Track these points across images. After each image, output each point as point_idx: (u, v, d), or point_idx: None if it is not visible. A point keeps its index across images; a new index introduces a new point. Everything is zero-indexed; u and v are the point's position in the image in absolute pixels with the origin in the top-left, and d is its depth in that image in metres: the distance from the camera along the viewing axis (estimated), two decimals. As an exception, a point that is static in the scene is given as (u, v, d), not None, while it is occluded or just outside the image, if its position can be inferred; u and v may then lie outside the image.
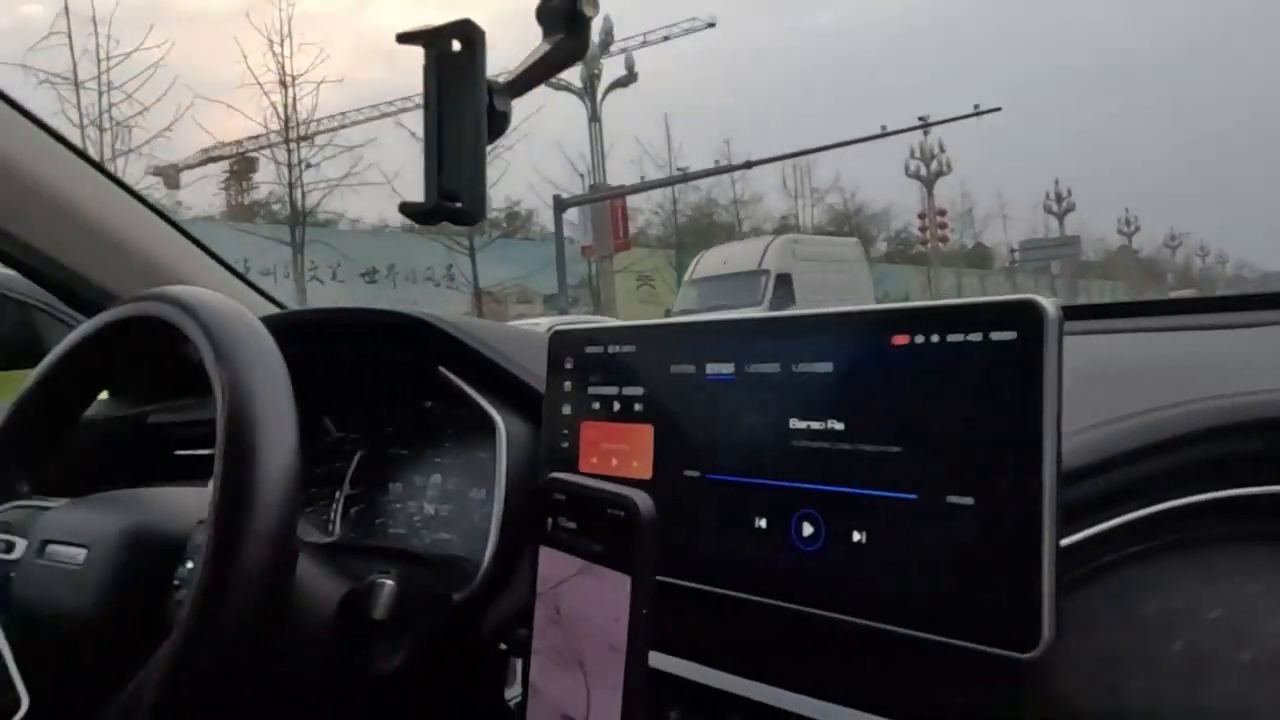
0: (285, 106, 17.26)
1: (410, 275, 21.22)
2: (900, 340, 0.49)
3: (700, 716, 0.58)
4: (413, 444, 0.94)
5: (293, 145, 17.50)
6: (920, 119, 20.98)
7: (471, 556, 0.84)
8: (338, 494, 1.00)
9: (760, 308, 14.91)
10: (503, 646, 0.74)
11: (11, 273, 1.13)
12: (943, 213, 27.96)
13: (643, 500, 0.49)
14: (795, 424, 0.54)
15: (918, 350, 0.48)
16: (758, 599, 0.54)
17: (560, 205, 18.15)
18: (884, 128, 19.45)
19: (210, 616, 0.54)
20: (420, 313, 0.82)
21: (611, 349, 0.65)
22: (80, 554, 0.68)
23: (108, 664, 0.65)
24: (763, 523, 0.55)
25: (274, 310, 1.16)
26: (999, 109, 20.28)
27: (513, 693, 0.71)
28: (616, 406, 0.64)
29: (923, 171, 27.62)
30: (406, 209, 0.49)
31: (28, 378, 0.80)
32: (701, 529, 0.58)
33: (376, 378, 0.93)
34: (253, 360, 0.63)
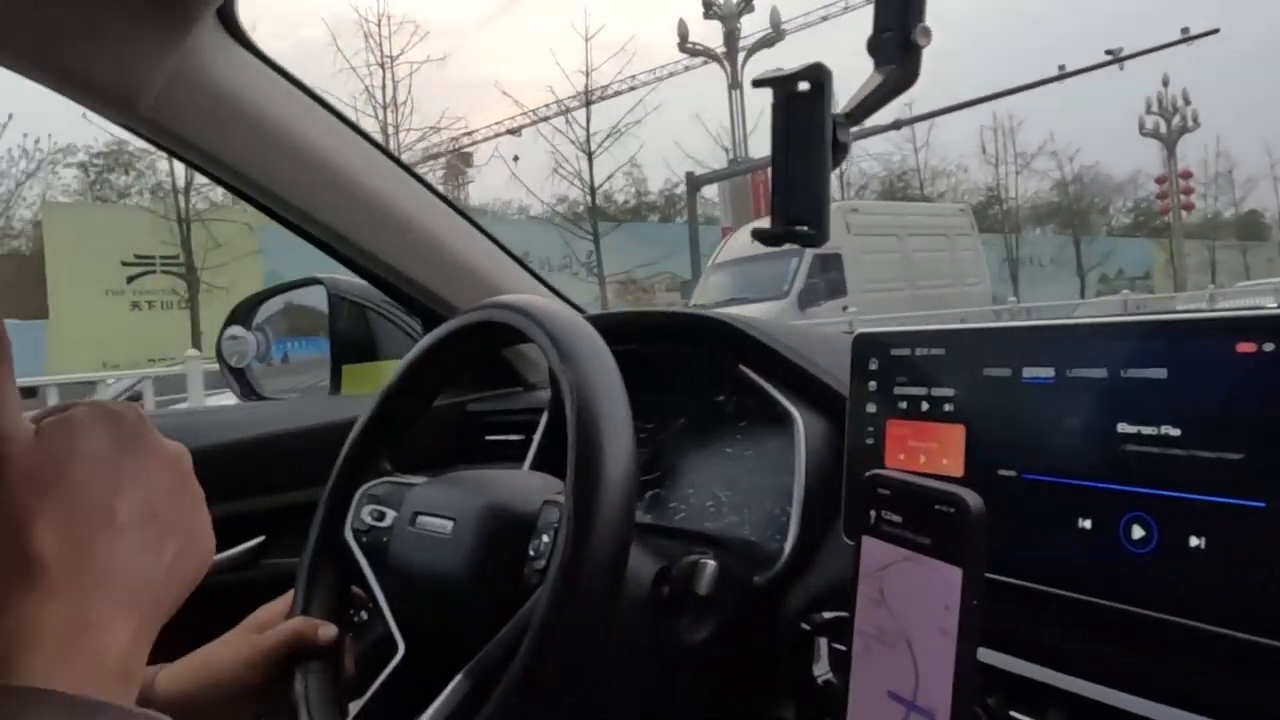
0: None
1: (545, 264, 21.63)
2: (1245, 348, 0.49)
3: (1019, 705, 0.60)
4: (704, 435, 1.01)
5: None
6: (1108, 53, 17.76)
7: (763, 542, 0.90)
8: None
9: (783, 302, 12.05)
10: (805, 627, 0.79)
11: (353, 279, 1.32)
12: (1187, 175, 24.48)
13: (973, 498, 0.52)
14: (1124, 428, 0.55)
15: (1265, 359, 0.48)
16: (1083, 597, 0.56)
17: (694, 183, 17.03)
18: (1062, 68, 16.88)
19: (573, 582, 0.63)
20: (724, 315, 0.89)
21: (919, 351, 0.69)
22: (448, 525, 0.80)
23: (472, 620, 0.76)
24: (1087, 524, 0.56)
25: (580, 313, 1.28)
26: (1216, 30, 16.99)
27: (820, 669, 0.76)
28: (925, 406, 0.68)
29: (1162, 128, 24.42)
30: (758, 234, 0.55)
31: (392, 372, 0.94)
32: (1020, 526, 0.60)
33: (672, 373, 1.02)
34: (591, 360, 0.72)
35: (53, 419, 0.44)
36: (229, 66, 0.95)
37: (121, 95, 0.91)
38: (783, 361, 0.85)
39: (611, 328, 0.99)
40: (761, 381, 0.87)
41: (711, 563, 0.75)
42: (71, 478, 0.42)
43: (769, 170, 0.51)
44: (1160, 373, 0.53)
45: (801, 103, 0.51)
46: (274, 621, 0.85)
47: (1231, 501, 0.49)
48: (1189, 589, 0.51)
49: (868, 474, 0.61)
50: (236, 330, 1.44)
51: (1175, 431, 0.52)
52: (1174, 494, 0.52)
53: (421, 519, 0.84)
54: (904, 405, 0.69)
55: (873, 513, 0.59)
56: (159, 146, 0.99)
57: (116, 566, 0.42)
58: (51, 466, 0.42)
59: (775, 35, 18.41)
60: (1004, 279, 23.72)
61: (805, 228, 0.51)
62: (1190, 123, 24.29)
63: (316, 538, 0.93)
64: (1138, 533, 0.54)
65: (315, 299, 1.38)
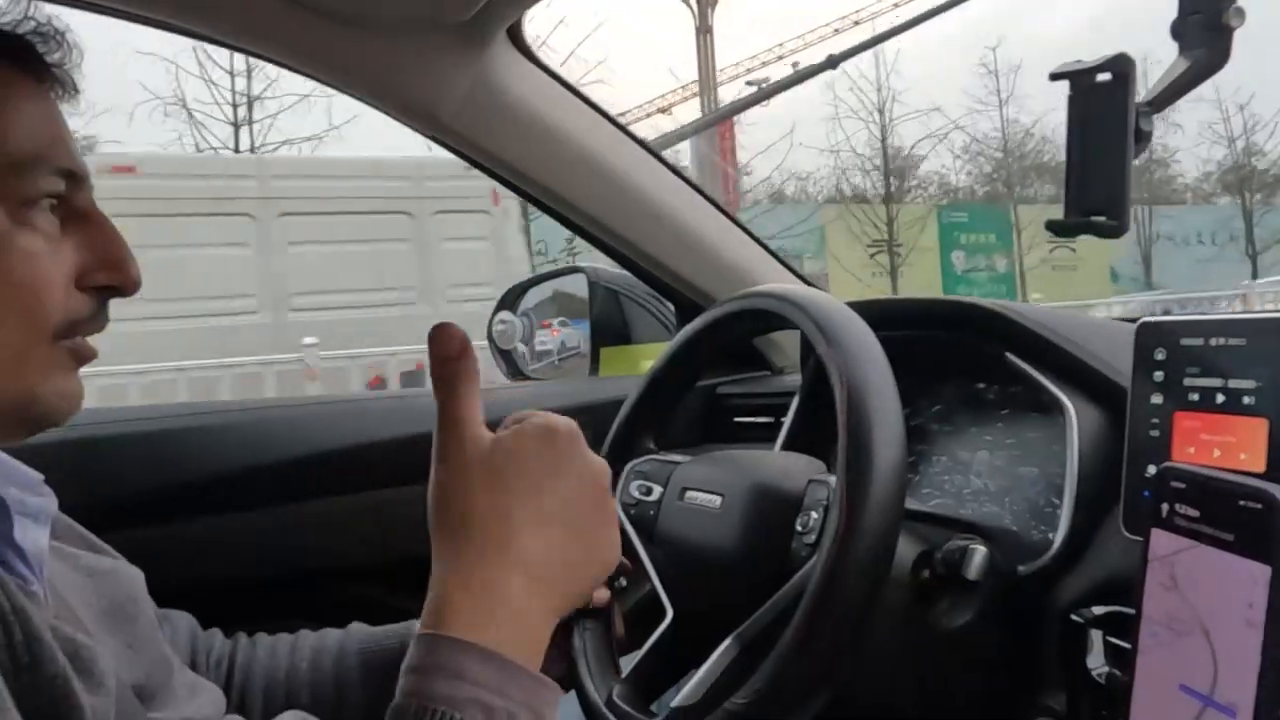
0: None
1: None
2: None
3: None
4: (962, 421, 1.01)
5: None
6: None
7: (1025, 532, 0.89)
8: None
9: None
10: (1076, 619, 0.78)
11: (610, 268, 1.41)
12: None
13: (1282, 494, 0.51)
14: None
15: None
16: None
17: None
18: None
19: (846, 556, 0.66)
20: (994, 303, 0.89)
21: (1214, 341, 0.66)
22: (716, 500, 0.86)
23: (739, 589, 0.81)
24: None
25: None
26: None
27: (1095, 662, 0.75)
28: (1220, 399, 0.65)
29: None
30: (1052, 225, 0.55)
31: (660, 355, 1.01)
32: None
33: (930, 359, 1.02)
34: (859, 347, 0.74)
35: (506, 430, 0.56)
36: (518, 80, 1.05)
37: (426, 109, 1.03)
38: (1054, 349, 0.84)
39: (872, 314, 1.01)
40: (1030, 370, 0.86)
41: (981, 548, 0.76)
42: (510, 481, 0.54)
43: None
44: None
45: (1102, 93, 0.51)
46: None
47: None
48: None
49: (1162, 466, 0.60)
50: (505, 315, 1.57)
51: None
52: None
53: (690, 494, 0.90)
54: (1195, 397, 0.67)
55: (1165, 506, 0.58)
56: (455, 152, 1.11)
57: (531, 557, 0.53)
58: (497, 469, 0.54)
59: None
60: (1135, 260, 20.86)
61: (1104, 218, 0.51)
62: None
63: None
64: None
65: (577, 286, 1.49)
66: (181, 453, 1.08)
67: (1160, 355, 0.70)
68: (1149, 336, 0.71)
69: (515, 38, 1.04)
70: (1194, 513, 0.56)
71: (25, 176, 0.51)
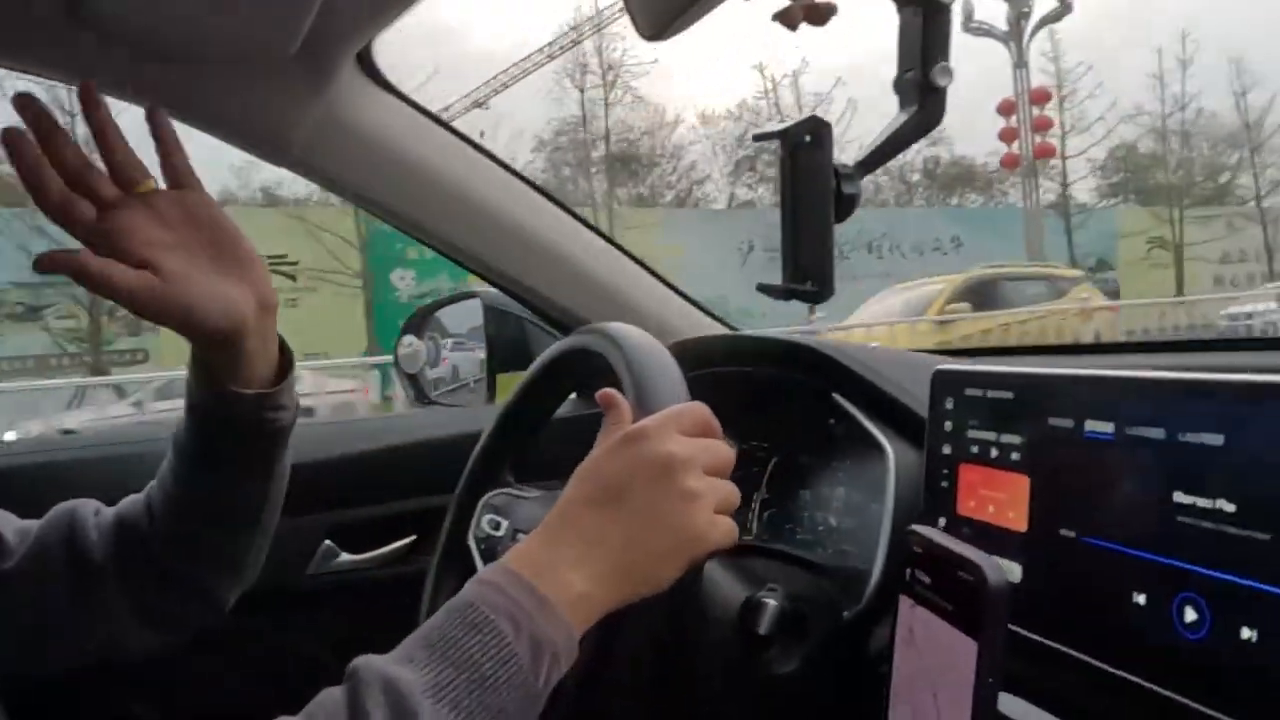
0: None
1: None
2: (1309, 419, 0.43)
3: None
4: (815, 458, 0.99)
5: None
6: None
7: (867, 571, 0.88)
8: (755, 497, 1.09)
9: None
10: (884, 669, 0.77)
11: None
12: None
13: (992, 570, 0.49)
14: (1180, 498, 0.49)
15: (1328, 433, 0.42)
16: (1127, 676, 0.51)
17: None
18: None
19: (610, 640, 0.64)
20: (811, 340, 0.87)
21: (991, 394, 0.64)
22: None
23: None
24: (1141, 599, 0.51)
25: (718, 330, 1.29)
26: None
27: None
28: (994, 453, 0.64)
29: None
30: (762, 289, 0.54)
31: (511, 390, 1.00)
32: (1075, 592, 0.56)
33: (784, 396, 1.00)
34: (660, 392, 0.73)
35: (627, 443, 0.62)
36: (369, 107, 1.03)
37: (275, 141, 1.01)
38: (870, 388, 0.82)
39: (707, 352, 0.99)
40: (852, 409, 0.84)
41: (772, 602, 0.75)
42: (603, 472, 0.61)
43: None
44: (1217, 439, 0.47)
45: (805, 155, 0.49)
46: None
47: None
48: (1238, 685, 0.45)
49: (906, 529, 0.58)
50: (410, 339, 1.56)
51: (1230, 507, 0.46)
52: (1227, 577, 0.46)
53: (520, 536, 0.89)
54: (976, 449, 0.65)
55: (908, 570, 0.57)
56: (315, 181, 1.10)
57: (591, 537, 0.59)
58: (594, 460, 0.63)
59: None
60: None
61: (809, 284, 0.49)
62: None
63: (443, 543, 1.01)
64: (1190, 615, 0.48)
65: (473, 311, 1.47)
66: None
67: (950, 404, 0.69)
68: (941, 384, 0.70)
69: (366, 64, 1.02)
70: (927, 579, 0.55)
71: None
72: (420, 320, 1.59)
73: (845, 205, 0.49)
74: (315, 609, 1.24)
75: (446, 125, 1.09)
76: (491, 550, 0.98)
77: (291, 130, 1.00)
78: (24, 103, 0.61)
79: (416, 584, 1.25)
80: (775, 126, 0.49)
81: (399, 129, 1.06)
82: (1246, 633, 0.45)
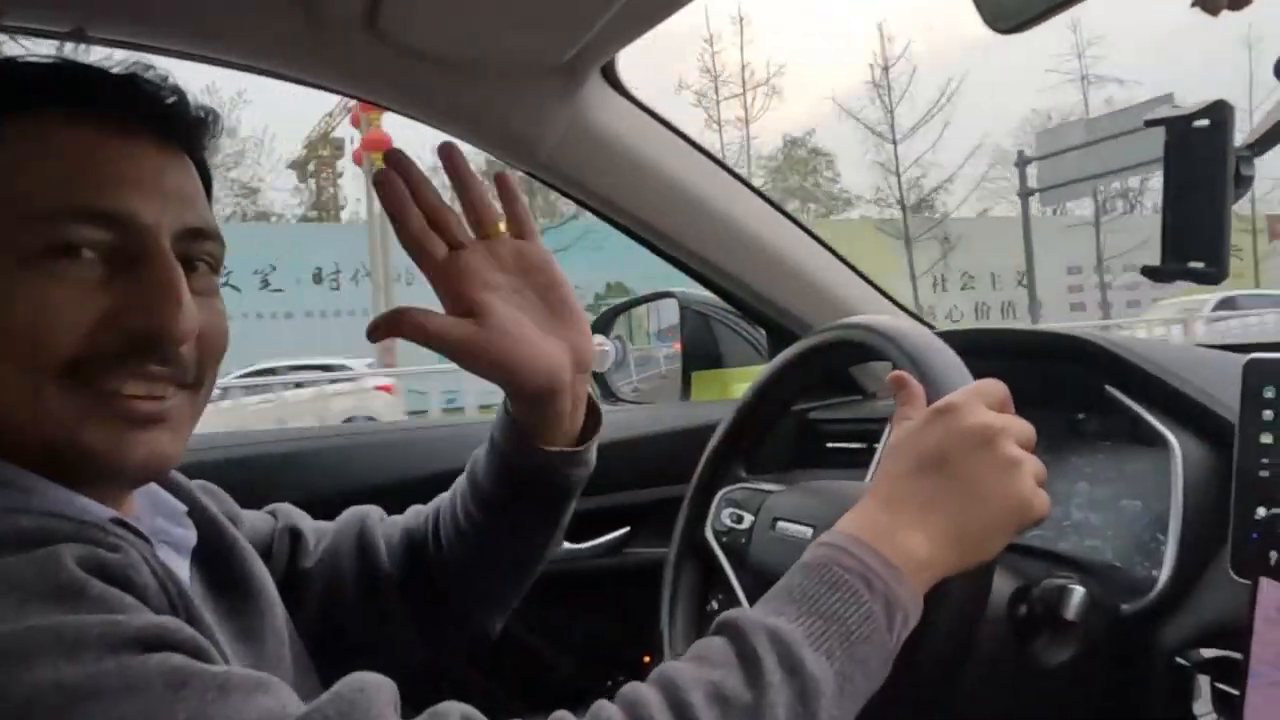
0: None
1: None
2: None
3: None
4: (1062, 453, 0.99)
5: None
6: None
7: (1129, 568, 0.87)
8: None
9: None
10: (1181, 662, 0.76)
11: (701, 292, 1.42)
12: None
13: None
14: None
15: None
16: None
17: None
18: None
19: (943, 606, 0.66)
20: (1092, 335, 0.87)
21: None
22: (808, 531, 0.86)
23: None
24: None
25: (929, 328, 1.30)
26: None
27: (1201, 709, 0.73)
28: (1337, 441, 0.63)
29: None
30: (1148, 271, 0.55)
31: (750, 386, 1.02)
32: None
33: (1029, 390, 1.00)
34: (950, 379, 0.74)
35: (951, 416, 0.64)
36: (613, 116, 1.08)
37: (525, 147, 1.07)
38: (1157, 383, 0.82)
39: (967, 345, 0.99)
40: (1131, 403, 0.84)
41: (1079, 588, 0.75)
42: (921, 445, 0.63)
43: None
44: None
45: (1199, 139, 0.50)
46: None
47: None
48: None
49: (1271, 513, 0.58)
50: (598, 338, 1.61)
51: None
52: None
53: (781, 524, 0.91)
54: (1313, 438, 0.65)
55: (1274, 553, 0.57)
56: (552, 187, 1.15)
57: (922, 503, 0.61)
58: (908, 434, 0.65)
59: None
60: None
61: (1203, 265, 0.50)
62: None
63: (680, 538, 1.04)
64: None
65: (669, 310, 1.51)
66: (267, 478, 1.13)
67: (1270, 394, 0.68)
68: (1256, 374, 0.70)
69: (609, 76, 1.07)
70: (1306, 562, 0.55)
71: (37, 226, 0.51)
72: (609, 320, 1.64)
73: (1243, 187, 0.50)
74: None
75: (680, 132, 1.13)
76: (734, 544, 1.00)
77: (541, 137, 1.06)
78: (398, 158, 0.67)
79: (630, 575, 1.29)
80: (1169, 111, 0.50)
81: (637, 136, 1.11)
82: None
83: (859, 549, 0.58)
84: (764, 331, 1.39)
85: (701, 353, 1.49)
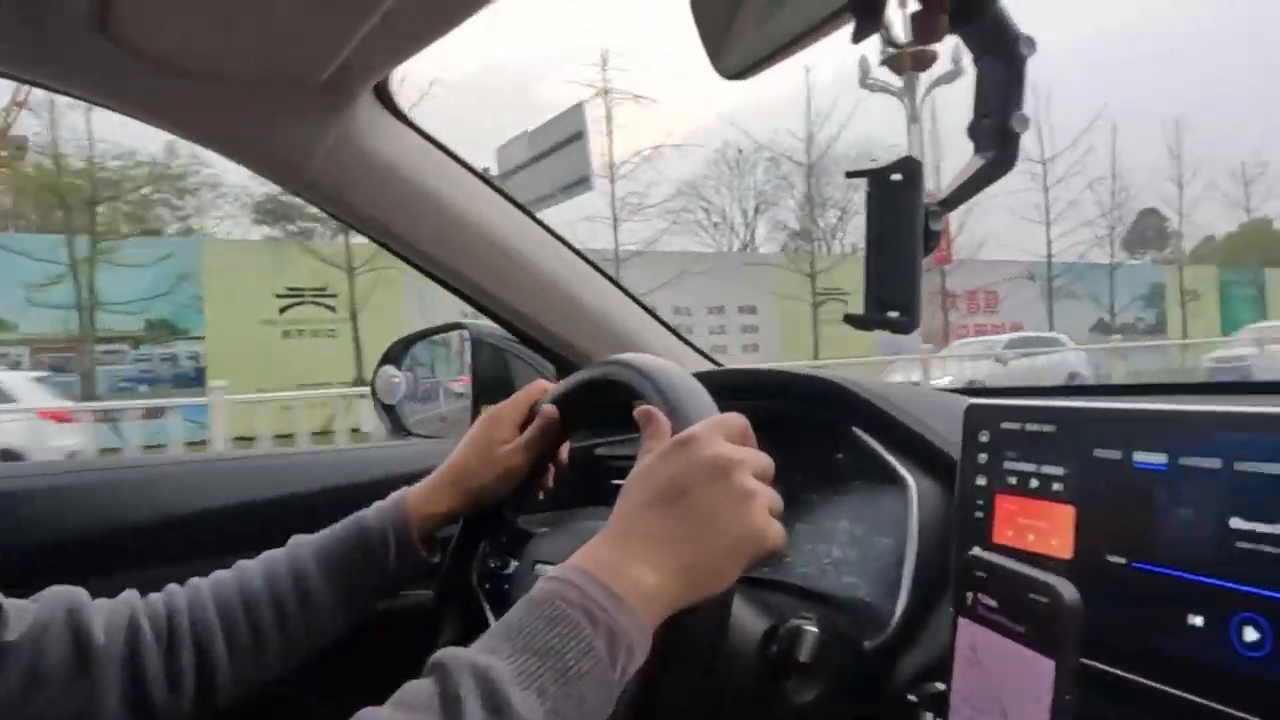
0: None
1: None
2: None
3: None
4: (823, 491, 1.02)
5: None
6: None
7: (879, 603, 0.89)
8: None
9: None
10: (912, 698, 0.78)
11: (493, 324, 1.39)
12: None
13: (1068, 589, 0.51)
14: (1237, 523, 0.53)
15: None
16: (1189, 697, 0.54)
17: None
18: None
19: (679, 639, 0.65)
20: (835, 376, 0.90)
21: (1029, 427, 0.67)
22: (563, 573, 0.84)
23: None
24: (1198, 620, 0.54)
25: (708, 365, 1.31)
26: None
27: (923, 744, 0.75)
28: (1034, 483, 0.66)
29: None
30: (850, 319, 0.56)
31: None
32: (1127, 616, 0.59)
33: (792, 429, 1.02)
34: (695, 412, 0.74)
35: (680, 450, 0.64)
36: (385, 138, 1.03)
37: (288, 165, 1.01)
38: (893, 423, 0.85)
39: (725, 385, 1.01)
40: (873, 443, 0.87)
41: (813, 630, 0.76)
42: (659, 477, 0.63)
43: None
44: (1276, 468, 0.51)
45: (895, 193, 0.52)
46: (508, 432, 0.96)
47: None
48: (1304, 700, 0.48)
49: (967, 555, 0.60)
50: (389, 370, 1.54)
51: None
52: (1291, 597, 0.49)
53: (540, 567, 0.89)
54: (1013, 480, 0.68)
55: (969, 595, 0.59)
56: (323, 209, 1.09)
57: (654, 534, 0.60)
58: (646, 467, 0.64)
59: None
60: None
61: (897, 314, 0.52)
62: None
63: (441, 582, 1.00)
64: (1251, 635, 0.51)
65: (459, 342, 1.46)
66: (110, 503, 1.07)
67: (985, 437, 0.72)
68: (976, 418, 0.73)
69: (382, 96, 1.03)
70: (993, 603, 0.57)
71: None
72: (400, 351, 1.57)
73: (931, 240, 0.52)
74: None
75: (459, 159, 1.10)
76: (498, 589, 0.97)
77: (306, 156, 1.00)
78: None
79: (408, 615, 1.23)
80: (868, 165, 0.52)
81: (412, 160, 1.07)
82: (1312, 650, 0.48)
83: (584, 581, 0.57)
84: (554, 365, 1.37)
85: (493, 386, 1.45)
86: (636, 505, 0.62)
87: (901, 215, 0.51)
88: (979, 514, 0.71)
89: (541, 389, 0.97)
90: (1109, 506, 0.61)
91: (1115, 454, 0.60)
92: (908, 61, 0.48)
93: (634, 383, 0.82)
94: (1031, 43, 0.52)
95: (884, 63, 0.49)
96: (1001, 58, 0.52)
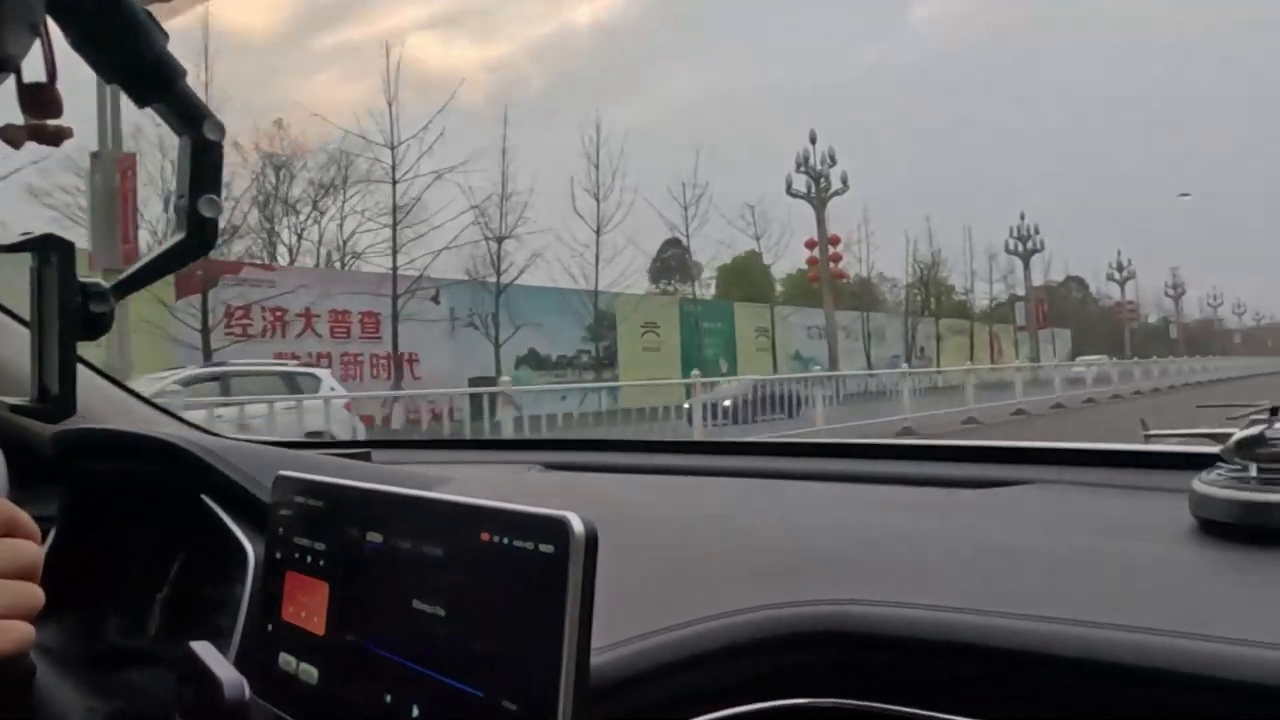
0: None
1: None
2: (485, 537, 0.51)
3: None
4: (204, 556, 0.96)
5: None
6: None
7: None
8: (157, 597, 1.02)
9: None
10: None
11: None
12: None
13: (231, 683, 0.51)
14: (418, 604, 0.55)
15: (498, 550, 0.50)
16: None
17: None
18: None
19: None
20: (173, 436, 0.85)
21: (311, 502, 0.67)
22: None
23: None
24: (389, 698, 0.56)
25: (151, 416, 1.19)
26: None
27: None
28: (309, 559, 0.66)
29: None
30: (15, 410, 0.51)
31: None
32: (360, 695, 0.59)
33: (150, 492, 0.95)
34: None
35: None
36: None
37: None
38: (240, 491, 0.82)
39: (92, 446, 0.92)
40: (219, 510, 0.83)
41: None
42: None
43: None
44: (438, 551, 0.54)
45: (49, 273, 0.48)
46: None
47: (468, 690, 0.50)
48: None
49: (182, 649, 0.58)
50: None
51: (442, 612, 0.53)
52: (440, 678, 0.52)
53: None
54: (296, 555, 0.68)
55: (181, 689, 0.57)
56: None
57: None
58: None
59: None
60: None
61: (47, 404, 0.48)
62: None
63: None
64: (415, 712, 0.54)
65: None
66: None
67: (284, 511, 0.70)
68: (280, 490, 0.71)
69: None
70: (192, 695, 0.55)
71: None
72: None
73: (94, 324, 0.48)
74: None
75: None
76: None
77: None
78: None
79: None
80: (21, 238, 0.47)
81: None
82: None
83: None
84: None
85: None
86: None
87: (56, 297, 0.48)
88: (273, 590, 0.70)
89: None
90: (350, 585, 0.62)
91: (356, 532, 0.61)
92: (24, 136, 0.45)
93: None
94: (220, 127, 0.51)
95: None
96: (190, 138, 0.50)
